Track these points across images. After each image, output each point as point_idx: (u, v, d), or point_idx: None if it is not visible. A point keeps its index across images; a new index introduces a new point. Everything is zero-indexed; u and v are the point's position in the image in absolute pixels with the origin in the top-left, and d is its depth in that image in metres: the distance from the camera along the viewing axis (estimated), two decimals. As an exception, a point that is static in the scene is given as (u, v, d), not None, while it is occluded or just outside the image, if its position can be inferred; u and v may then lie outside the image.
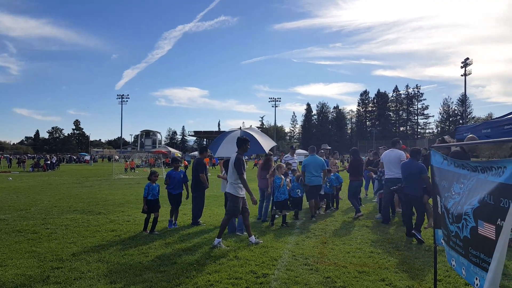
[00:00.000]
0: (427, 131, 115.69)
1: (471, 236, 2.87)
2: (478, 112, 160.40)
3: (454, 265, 3.30)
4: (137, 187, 19.02)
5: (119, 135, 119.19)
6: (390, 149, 9.17)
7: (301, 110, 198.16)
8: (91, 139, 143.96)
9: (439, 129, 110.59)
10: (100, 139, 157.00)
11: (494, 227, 2.54)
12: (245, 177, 6.85)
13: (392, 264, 5.60)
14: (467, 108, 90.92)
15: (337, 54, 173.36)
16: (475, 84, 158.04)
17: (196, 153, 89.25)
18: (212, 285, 4.81)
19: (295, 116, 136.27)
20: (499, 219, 2.48)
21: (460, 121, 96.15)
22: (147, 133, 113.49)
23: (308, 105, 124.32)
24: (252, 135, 8.28)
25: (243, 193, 6.95)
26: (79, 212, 10.80)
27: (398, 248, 6.56)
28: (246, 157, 39.47)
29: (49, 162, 38.84)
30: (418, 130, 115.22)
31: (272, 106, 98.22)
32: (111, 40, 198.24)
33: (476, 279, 2.81)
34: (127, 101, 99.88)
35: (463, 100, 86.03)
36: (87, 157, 73.17)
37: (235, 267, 5.52)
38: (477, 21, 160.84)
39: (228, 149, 8.21)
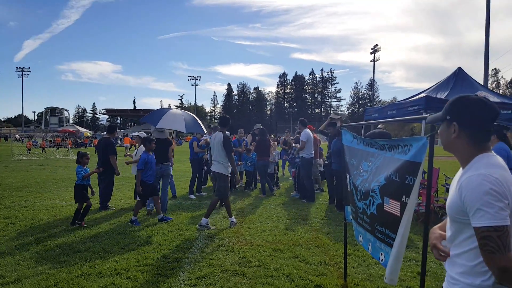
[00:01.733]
0: (339, 113, 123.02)
1: (378, 213, 2.92)
2: (384, 96, 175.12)
3: (361, 241, 3.38)
4: (39, 169, 17.28)
5: (20, 112, 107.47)
6: (305, 130, 9.34)
7: (221, 90, 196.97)
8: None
9: (349, 111, 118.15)
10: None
11: (399, 203, 2.58)
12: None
13: (305, 241, 5.71)
14: (375, 92, 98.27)
15: (257, 34, 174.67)
16: (382, 70, 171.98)
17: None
18: (119, 273, 4.42)
19: (216, 96, 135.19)
20: (403, 196, 2.52)
21: (369, 104, 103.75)
22: (53, 110, 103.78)
23: (229, 85, 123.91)
24: (194, 116, 8.43)
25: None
26: (-34, 199, 9.42)
27: (311, 225, 6.74)
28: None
29: None
30: (332, 112, 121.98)
31: (192, 85, 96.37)
32: (7, 5, 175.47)
33: (381, 254, 2.88)
34: (28, 74, 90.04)
35: (372, 84, 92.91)
36: (-19, 136, 64.96)
37: (146, 253, 5.17)
38: (386, 10, 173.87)
39: (171, 122, 7.85)
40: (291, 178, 13.43)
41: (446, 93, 7.75)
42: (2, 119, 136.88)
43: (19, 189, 11.02)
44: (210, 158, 8.54)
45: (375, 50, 67.32)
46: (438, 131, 1.77)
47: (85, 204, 6.74)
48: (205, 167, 10.31)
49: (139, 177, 6.82)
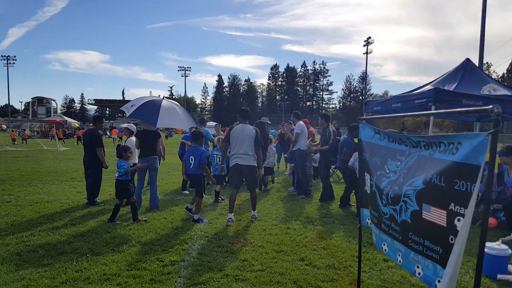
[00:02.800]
0: (330, 106, 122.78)
1: (412, 221, 2.54)
2: (376, 89, 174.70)
3: (385, 250, 2.99)
4: (25, 161, 16.65)
5: (7, 102, 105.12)
6: (299, 122, 9.04)
7: (212, 81, 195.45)
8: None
9: (341, 104, 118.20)
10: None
11: (445, 212, 2.20)
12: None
13: (309, 241, 5.35)
14: (367, 85, 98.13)
15: (248, 25, 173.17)
16: (374, 63, 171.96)
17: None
18: (108, 279, 4.01)
19: (206, 88, 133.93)
20: (452, 204, 2.14)
21: (360, 97, 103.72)
22: (40, 100, 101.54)
23: (220, 76, 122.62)
24: (175, 109, 7.51)
25: None
26: None
27: (313, 223, 6.38)
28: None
29: None
30: (323, 105, 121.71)
31: (182, 76, 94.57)
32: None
33: (418, 267, 2.51)
34: (14, 63, 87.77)
35: (364, 77, 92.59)
36: (-34, 126, 63.21)
37: (138, 254, 4.75)
38: (378, 2, 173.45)
39: (169, 119, 7.18)
40: (286, 173, 13.09)
41: (454, 85, 7.39)
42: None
43: (2, 182, 10.47)
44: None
45: (368, 42, 66.89)
46: None
47: (125, 200, 6.51)
48: None
49: (205, 169, 6.58)
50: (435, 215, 2.29)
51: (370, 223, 3.32)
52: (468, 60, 8.20)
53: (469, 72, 7.91)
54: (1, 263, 4.41)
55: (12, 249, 4.92)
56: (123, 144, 7.51)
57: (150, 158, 7.14)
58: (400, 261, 2.76)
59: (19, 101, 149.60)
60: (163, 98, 7.69)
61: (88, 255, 4.72)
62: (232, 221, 6.34)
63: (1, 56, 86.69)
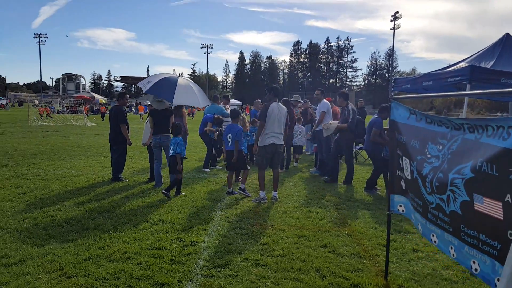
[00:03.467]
0: (355, 83, 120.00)
1: (463, 212, 2.34)
2: (403, 66, 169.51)
3: (435, 242, 2.77)
4: (55, 136, 17.11)
5: (39, 78, 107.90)
6: (323, 100, 8.81)
7: (233, 58, 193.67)
8: (8, 81, 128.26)
9: (366, 82, 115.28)
10: (18, 82, 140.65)
11: (501, 204, 2.00)
12: None
13: (332, 226, 5.22)
14: (393, 62, 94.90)
15: (270, 1, 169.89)
16: (401, 39, 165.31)
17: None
18: (130, 257, 4.02)
19: (228, 65, 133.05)
20: (508, 196, 1.94)
21: (387, 75, 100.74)
22: (70, 77, 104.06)
23: (241, 53, 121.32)
24: (191, 87, 7.51)
25: None
26: (-20, 164, 9.20)
27: (336, 207, 6.24)
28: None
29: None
30: (347, 82, 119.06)
31: (204, 53, 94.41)
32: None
33: (474, 262, 2.32)
34: (45, 41, 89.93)
35: (391, 54, 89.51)
36: (3, 101, 65.47)
37: (159, 233, 4.76)
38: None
39: (185, 97, 7.22)
40: (308, 153, 12.91)
41: (492, 62, 6.91)
42: (22, 84, 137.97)
43: (33, 156, 10.78)
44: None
45: (395, 17, 64.18)
46: None
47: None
48: (218, 145, 9.80)
49: (237, 147, 6.76)
50: (489, 207, 2.09)
51: (414, 212, 3.11)
52: (508, 35, 7.63)
53: (509, 48, 7.37)
54: (29, 237, 4.51)
55: (40, 223, 5.03)
56: (146, 120, 7.63)
57: (162, 136, 7.17)
58: (453, 255, 2.56)
59: (50, 78, 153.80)
60: (179, 75, 7.70)
61: (111, 232, 4.77)
62: (263, 199, 6.39)
63: (34, 34, 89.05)
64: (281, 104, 6.60)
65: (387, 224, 3.64)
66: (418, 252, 4.36)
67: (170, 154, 6.64)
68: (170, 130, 7.12)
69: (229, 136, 6.86)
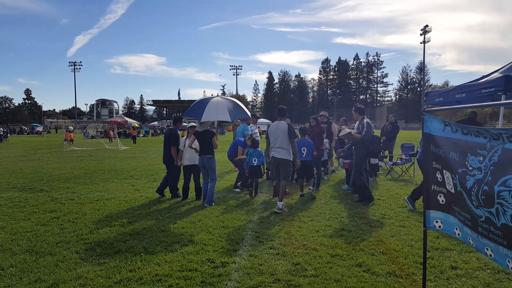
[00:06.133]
0: (385, 99, 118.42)
1: None
2: (434, 80, 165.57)
3: (491, 255, 2.63)
4: (89, 160, 17.64)
5: (74, 105, 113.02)
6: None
7: (262, 78, 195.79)
8: (45, 109, 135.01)
9: (397, 97, 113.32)
10: (54, 109, 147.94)
11: None
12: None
13: (366, 245, 5.02)
14: (425, 76, 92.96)
15: (297, 20, 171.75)
16: (431, 52, 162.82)
17: (155, 122, 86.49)
18: (160, 280, 4.00)
19: (257, 85, 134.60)
20: None
21: (418, 89, 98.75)
22: (103, 102, 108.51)
23: (270, 73, 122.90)
24: (235, 101, 7.94)
25: None
26: (18, 190, 9.57)
27: (370, 224, 6.02)
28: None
29: (-5, 133, 35.91)
30: (378, 98, 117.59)
31: (234, 74, 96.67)
32: (58, 3, 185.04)
33: None
34: (80, 68, 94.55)
35: (422, 68, 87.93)
36: (40, 128, 68.69)
37: (190, 255, 4.72)
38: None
39: (215, 113, 7.42)
40: (337, 170, 12.65)
41: (527, 72, 6.60)
42: (58, 111, 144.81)
43: (67, 180, 11.12)
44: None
45: (425, 31, 63.49)
46: None
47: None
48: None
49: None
50: None
51: (461, 226, 2.94)
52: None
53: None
54: (62, 261, 4.57)
55: (72, 247, 5.10)
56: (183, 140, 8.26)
57: (204, 157, 7.46)
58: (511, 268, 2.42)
59: (85, 104, 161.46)
60: (216, 96, 7.97)
61: (142, 254, 4.77)
62: (280, 209, 6.83)
63: (69, 62, 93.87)
64: (282, 122, 7.24)
65: (423, 241, 3.44)
66: (456, 270, 4.11)
67: (255, 164, 8.36)
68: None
69: (304, 149, 8.23)
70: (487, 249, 2.64)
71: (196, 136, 7.59)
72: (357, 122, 7.86)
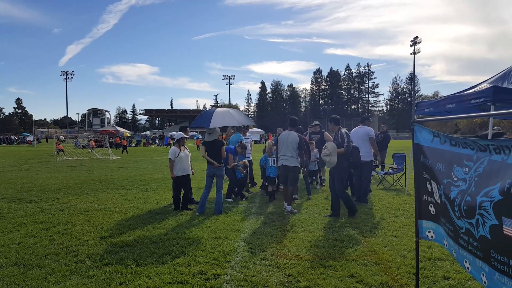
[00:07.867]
0: (377, 108, 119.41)
1: (493, 237, 2.19)
2: (425, 90, 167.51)
3: (468, 268, 2.61)
4: (79, 170, 17.45)
5: (65, 114, 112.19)
6: (358, 126, 9.07)
7: (255, 88, 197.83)
8: (36, 118, 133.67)
9: (388, 106, 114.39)
10: (45, 119, 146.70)
11: None
12: None
13: (359, 255, 5.00)
14: (415, 86, 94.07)
15: (289, 31, 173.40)
16: (421, 63, 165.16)
17: (147, 132, 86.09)
18: (151, 293, 3.93)
19: (250, 95, 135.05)
20: None
21: (409, 99, 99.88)
22: (95, 112, 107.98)
23: (263, 83, 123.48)
24: (229, 111, 8.37)
25: None
26: (7, 201, 9.40)
27: (363, 234, 6.01)
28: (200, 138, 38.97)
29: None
30: (369, 108, 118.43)
31: (226, 84, 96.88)
32: (50, 13, 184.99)
33: None
34: (71, 78, 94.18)
35: (412, 78, 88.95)
36: (30, 138, 67.91)
37: (181, 266, 4.66)
38: (423, 0, 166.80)
39: (222, 119, 7.84)
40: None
41: (514, 82, 6.71)
42: (49, 121, 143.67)
43: (58, 191, 10.97)
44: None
45: (415, 42, 64.35)
46: None
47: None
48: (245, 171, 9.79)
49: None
50: None
51: (447, 238, 2.94)
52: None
53: (531, 67, 7.15)
54: (50, 274, 4.48)
55: (61, 259, 5.01)
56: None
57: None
58: (485, 282, 2.38)
59: (76, 113, 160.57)
60: (220, 107, 8.48)
61: (132, 266, 4.70)
62: (288, 211, 7.51)
63: (61, 71, 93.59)
64: (292, 132, 7.73)
65: (415, 251, 3.44)
66: (449, 280, 4.11)
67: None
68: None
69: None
70: (466, 261, 2.63)
71: (206, 146, 7.74)
72: (334, 134, 7.51)
